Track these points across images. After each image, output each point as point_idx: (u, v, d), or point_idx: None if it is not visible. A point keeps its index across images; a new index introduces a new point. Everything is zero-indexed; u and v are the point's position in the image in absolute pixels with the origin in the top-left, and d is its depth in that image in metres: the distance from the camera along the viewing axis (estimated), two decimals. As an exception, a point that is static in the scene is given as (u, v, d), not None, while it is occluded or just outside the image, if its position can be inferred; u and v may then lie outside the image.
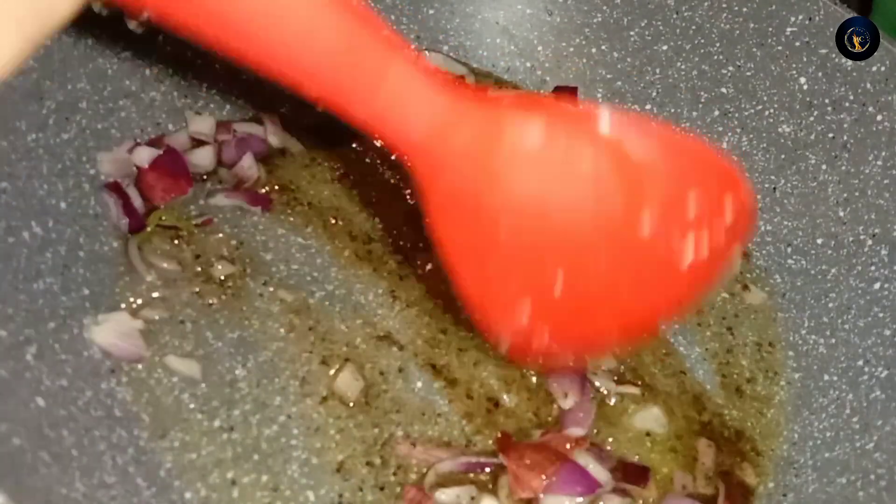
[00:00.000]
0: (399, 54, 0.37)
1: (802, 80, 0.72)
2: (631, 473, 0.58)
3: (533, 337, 0.46)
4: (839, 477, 0.59)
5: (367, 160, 0.74)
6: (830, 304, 0.68)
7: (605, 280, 0.43)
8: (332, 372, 0.60)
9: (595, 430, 0.60)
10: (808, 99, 0.72)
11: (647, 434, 0.61)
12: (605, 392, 0.62)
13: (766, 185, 0.75)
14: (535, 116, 0.38)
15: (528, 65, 0.85)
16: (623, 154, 0.38)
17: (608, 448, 0.59)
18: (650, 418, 0.62)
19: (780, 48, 0.72)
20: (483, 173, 0.39)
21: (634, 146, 0.38)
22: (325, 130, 0.74)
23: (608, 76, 0.83)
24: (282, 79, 0.36)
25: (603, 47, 0.82)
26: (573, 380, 0.61)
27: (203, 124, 0.70)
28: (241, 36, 0.35)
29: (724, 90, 0.77)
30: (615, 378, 0.63)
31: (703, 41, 0.77)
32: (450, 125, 0.38)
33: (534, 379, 0.62)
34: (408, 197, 0.72)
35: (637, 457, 0.60)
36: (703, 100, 0.78)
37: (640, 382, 0.64)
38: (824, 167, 0.71)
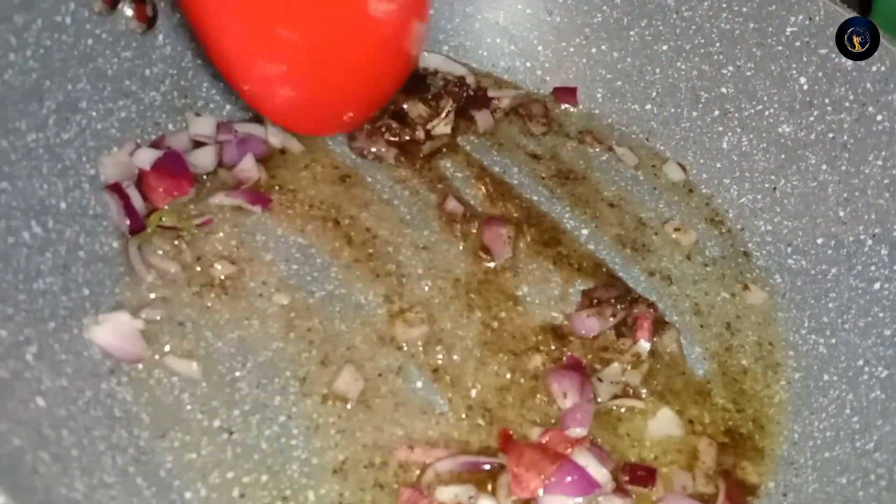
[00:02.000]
0: None
1: (802, 80, 0.72)
2: (638, 475, 0.58)
3: (274, 86, 0.63)
4: (839, 477, 0.59)
5: (368, 160, 0.74)
6: (830, 304, 0.69)
7: (327, 41, 0.61)
8: (332, 372, 0.60)
9: (596, 432, 0.60)
10: (808, 99, 0.72)
11: (661, 437, 0.61)
12: (608, 395, 0.62)
13: (766, 185, 0.75)
14: None
15: (528, 65, 0.85)
16: None
17: (610, 451, 0.60)
18: (665, 420, 0.62)
19: (780, 48, 0.72)
20: None
21: None
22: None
23: (608, 76, 0.83)
24: None
25: (603, 47, 0.82)
26: (573, 380, 0.61)
27: (203, 125, 0.70)
28: None
29: (724, 90, 0.77)
30: (617, 391, 0.63)
31: (703, 41, 0.77)
32: None
33: (533, 380, 0.62)
34: (408, 198, 0.72)
35: (638, 458, 0.60)
36: (703, 100, 0.79)
37: (641, 384, 0.64)
38: (824, 167, 0.71)
